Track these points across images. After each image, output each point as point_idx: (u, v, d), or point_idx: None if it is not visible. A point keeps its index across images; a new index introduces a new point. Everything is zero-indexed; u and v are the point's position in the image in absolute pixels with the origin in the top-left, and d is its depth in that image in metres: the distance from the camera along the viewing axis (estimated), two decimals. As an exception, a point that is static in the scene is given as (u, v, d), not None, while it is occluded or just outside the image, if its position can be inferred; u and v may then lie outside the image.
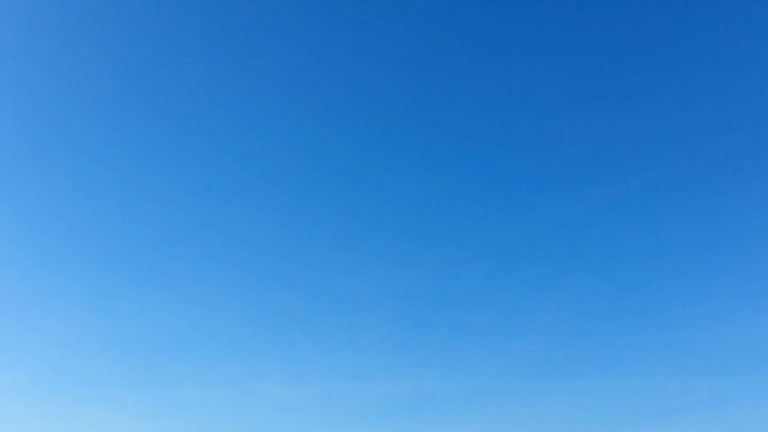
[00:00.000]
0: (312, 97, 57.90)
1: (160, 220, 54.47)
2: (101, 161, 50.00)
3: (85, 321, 47.55)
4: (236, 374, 53.99)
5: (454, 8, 60.72)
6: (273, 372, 68.50)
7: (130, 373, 46.48)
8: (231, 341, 56.86)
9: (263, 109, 58.90)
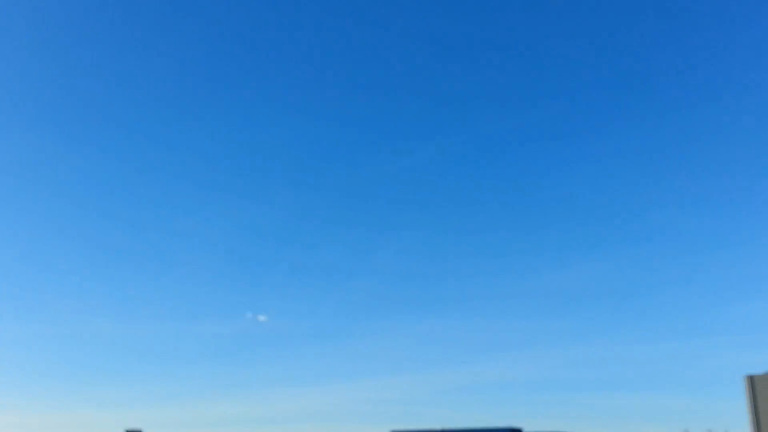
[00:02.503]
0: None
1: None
2: None
3: None
4: (60, 309, 51.39)
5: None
6: (100, 308, 65.27)
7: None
8: (56, 275, 54.24)
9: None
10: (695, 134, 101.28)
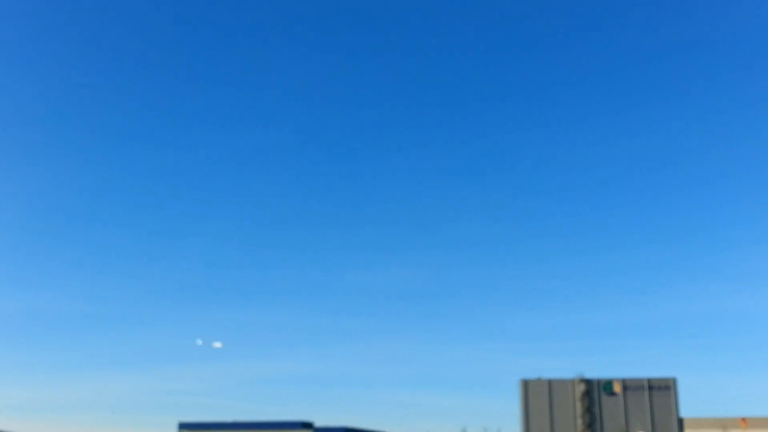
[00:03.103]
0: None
1: None
2: None
3: None
4: None
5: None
6: None
7: None
8: None
9: None
10: (503, 149, 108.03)
